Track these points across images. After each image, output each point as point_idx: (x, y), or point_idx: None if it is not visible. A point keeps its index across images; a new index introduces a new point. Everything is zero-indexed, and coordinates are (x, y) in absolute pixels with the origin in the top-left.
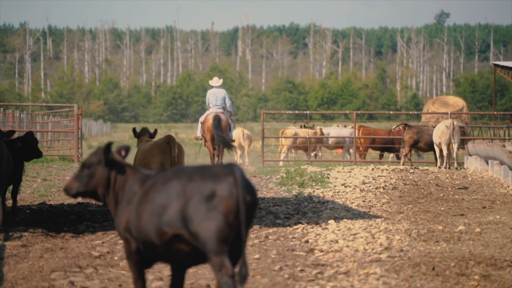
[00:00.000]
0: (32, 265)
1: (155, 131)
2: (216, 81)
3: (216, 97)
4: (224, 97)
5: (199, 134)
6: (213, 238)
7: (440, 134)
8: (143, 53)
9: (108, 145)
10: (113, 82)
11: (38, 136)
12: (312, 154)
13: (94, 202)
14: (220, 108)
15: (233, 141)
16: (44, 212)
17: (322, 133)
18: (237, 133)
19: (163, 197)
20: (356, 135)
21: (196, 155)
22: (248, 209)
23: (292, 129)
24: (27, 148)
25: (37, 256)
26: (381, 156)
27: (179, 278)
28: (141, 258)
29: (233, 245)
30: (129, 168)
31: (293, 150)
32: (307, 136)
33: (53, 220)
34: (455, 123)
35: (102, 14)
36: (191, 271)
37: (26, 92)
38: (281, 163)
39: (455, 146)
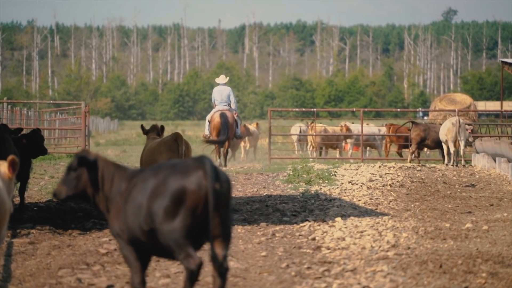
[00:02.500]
0: (39, 262)
1: (162, 128)
2: (222, 79)
3: (221, 94)
4: (229, 95)
5: (207, 132)
6: (175, 236)
7: (446, 131)
8: (150, 50)
9: (84, 149)
10: (120, 79)
11: (45, 133)
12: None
13: None
14: (225, 105)
15: (241, 137)
16: (52, 210)
17: (348, 130)
18: (253, 127)
19: (141, 195)
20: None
21: (210, 154)
22: (220, 198)
23: (320, 126)
24: (33, 145)
25: (45, 253)
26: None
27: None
28: (136, 248)
29: (202, 235)
30: (114, 167)
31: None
32: (337, 133)
33: (60, 217)
34: (461, 120)
35: (109, 12)
36: None
37: (33, 90)
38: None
39: (461, 144)
